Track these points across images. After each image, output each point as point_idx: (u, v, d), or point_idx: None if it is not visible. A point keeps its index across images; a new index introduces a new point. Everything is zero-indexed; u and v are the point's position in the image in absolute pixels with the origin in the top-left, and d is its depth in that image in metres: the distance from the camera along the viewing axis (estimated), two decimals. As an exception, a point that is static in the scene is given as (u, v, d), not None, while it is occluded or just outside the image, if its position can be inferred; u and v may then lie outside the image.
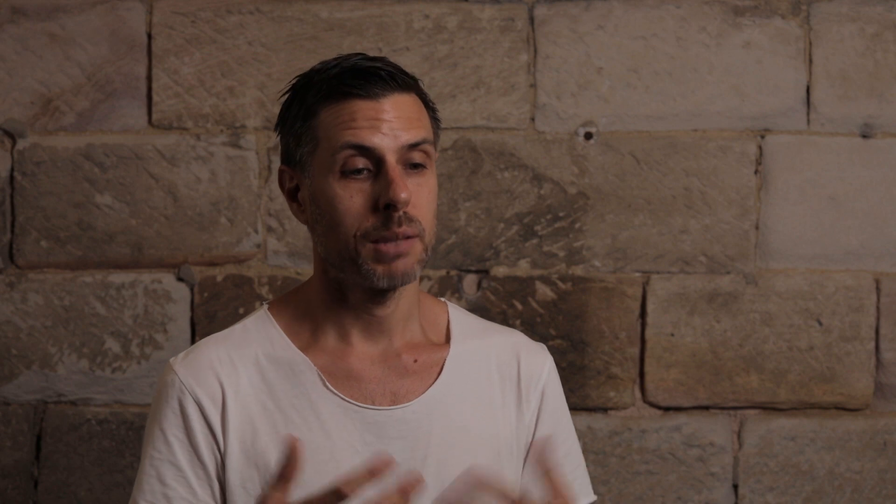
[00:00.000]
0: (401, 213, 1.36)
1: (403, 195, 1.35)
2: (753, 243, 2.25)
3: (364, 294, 1.43)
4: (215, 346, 1.46)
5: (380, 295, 1.43)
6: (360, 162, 1.38)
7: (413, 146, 1.40)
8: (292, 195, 1.47)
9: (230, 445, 1.41)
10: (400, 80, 1.42)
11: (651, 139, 2.25)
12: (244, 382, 1.43)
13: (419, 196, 1.39)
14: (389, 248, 1.37)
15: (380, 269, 1.38)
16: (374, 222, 1.37)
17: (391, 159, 1.38)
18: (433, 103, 1.48)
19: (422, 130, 1.41)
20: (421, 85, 1.47)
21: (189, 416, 1.41)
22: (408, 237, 1.38)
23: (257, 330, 1.47)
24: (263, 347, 1.45)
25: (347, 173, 1.38)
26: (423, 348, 1.49)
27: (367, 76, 1.40)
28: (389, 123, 1.39)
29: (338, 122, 1.39)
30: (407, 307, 1.47)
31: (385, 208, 1.36)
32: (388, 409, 1.43)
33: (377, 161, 1.38)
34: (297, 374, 1.44)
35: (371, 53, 1.48)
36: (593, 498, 1.61)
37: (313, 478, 1.39)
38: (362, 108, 1.39)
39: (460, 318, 1.56)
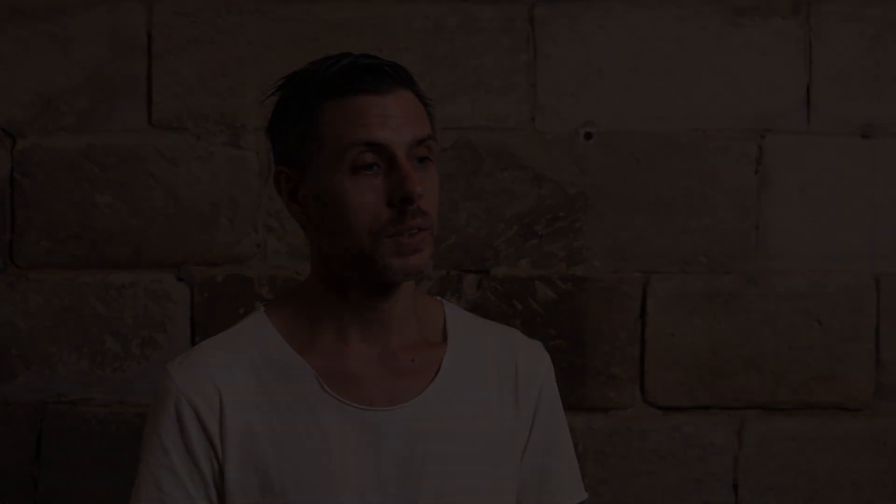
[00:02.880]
0: (415, 206, 1.37)
1: (419, 189, 1.36)
2: (753, 243, 2.25)
3: (368, 289, 1.43)
4: (212, 351, 1.45)
5: (384, 289, 1.43)
6: (371, 158, 1.38)
7: (420, 142, 1.40)
8: (291, 195, 1.45)
9: (229, 451, 1.41)
10: (402, 76, 1.42)
11: (651, 139, 2.24)
12: (241, 387, 1.43)
13: (427, 190, 1.39)
14: (412, 241, 1.37)
15: (396, 263, 1.38)
16: (388, 217, 1.37)
17: (401, 154, 1.38)
18: (430, 99, 1.48)
19: (426, 126, 1.42)
20: (417, 81, 1.47)
21: (186, 423, 1.41)
22: (421, 229, 1.38)
23: (253, 333, 1.47)
24: (260, 350, 1.45)
25: (358, 169, 1.38)
26: (420, 347, 1.49)
27: (372, 72, 1.40)
28: (396, 119, 1.39)
29: (345, 119, 1.39)
30: (405, 305, 1.47)
31: (401, 203, 1.36)
32: (386, 409, 1.43)
33: (388, 156, 1.38)
34: (293, 376, 1.43)
35: (371, 54, 1.48)
36: (585, 496, 1.61)
37: (313, 481, 1.40)
38: (369, 103, 1.38)
39: (456, 317, 1.56)
